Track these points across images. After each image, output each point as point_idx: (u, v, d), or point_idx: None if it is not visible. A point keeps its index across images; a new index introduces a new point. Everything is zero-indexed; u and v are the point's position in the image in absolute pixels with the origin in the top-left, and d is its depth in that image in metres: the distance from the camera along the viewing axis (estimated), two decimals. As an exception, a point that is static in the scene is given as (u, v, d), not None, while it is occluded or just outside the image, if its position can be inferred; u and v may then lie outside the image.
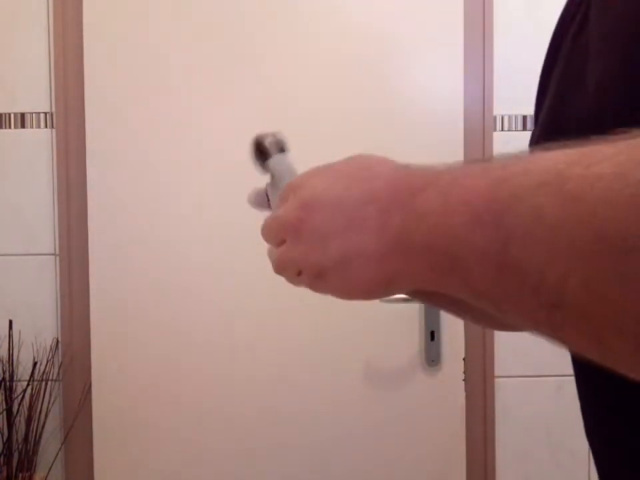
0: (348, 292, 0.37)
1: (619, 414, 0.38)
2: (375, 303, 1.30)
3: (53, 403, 1.44)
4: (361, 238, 0.34)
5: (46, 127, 1.44)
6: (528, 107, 1.47)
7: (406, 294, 0.39)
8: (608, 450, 0.41)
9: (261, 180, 0.63)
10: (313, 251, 0.37)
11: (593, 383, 0.41)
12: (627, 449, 0.38)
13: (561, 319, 0.25)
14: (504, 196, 0.26)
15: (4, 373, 1.39)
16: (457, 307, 0.48)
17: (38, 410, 1.40)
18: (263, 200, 0.56)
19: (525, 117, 1.45)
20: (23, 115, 1.44)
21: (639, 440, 0.37)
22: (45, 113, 1.44)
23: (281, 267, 0.42)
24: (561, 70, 0.43)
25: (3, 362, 1.39)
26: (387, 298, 0.38)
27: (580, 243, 0.23)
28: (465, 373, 1.44)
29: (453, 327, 1.43)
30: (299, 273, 0.40)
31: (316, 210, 0.37)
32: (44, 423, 1.40)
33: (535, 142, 0.47)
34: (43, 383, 1.40)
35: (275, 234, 0.42)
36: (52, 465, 1.44)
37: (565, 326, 0.25)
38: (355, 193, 0.35)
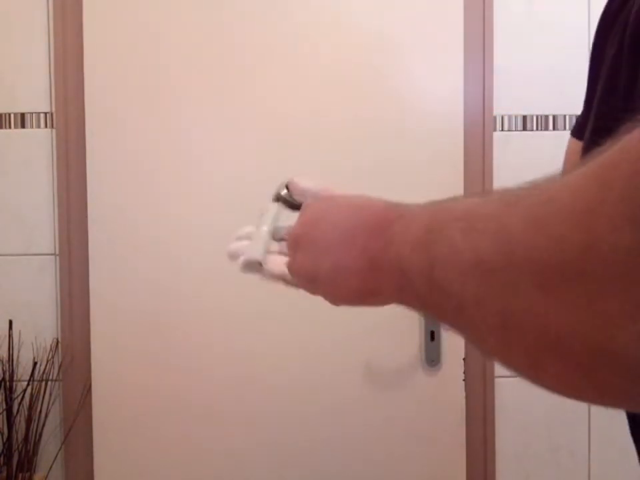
0: (334, 298, 0.46)
1: None
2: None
3: (53, 403, 1.44)
4: (348, 255, 0.42)
5: (46, 126, 1.44)
6: (528, 107, 1.47)
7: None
8: None
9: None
10: (308, 261, 0.46)
11: None
12: None
13: (465, 324, 0.32)
14: (434, 227, 0.34)
15: (4, 373, 1.39)
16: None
17: (38, 410, 1.40)
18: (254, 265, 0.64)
19: (524, 117, 1.45)
20: (23, 115, 1.44)
21: None
22: (45, 113, 1.44)
23: (294, 278, 0.51)
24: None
25: (3, 362, 1.39)
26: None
27: (468, 265, 0.30)
28: (464, 373, 1.44)
29: (452, 327, 1.43)
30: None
31: (317, 226, 0.46)
32: (44, 423, 1.40)
33: (589, 135, 0.55)
34: (43, 383, 1.40)
35: (288, 246, 0.52)
36: (52, 464, 1.44)
37: (469, 331, 0.32)
38: (351, 218, 0.44)
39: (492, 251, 0.28)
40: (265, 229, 0.62)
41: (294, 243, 0.49)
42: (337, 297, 0.45)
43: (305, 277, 0.48)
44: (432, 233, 0.34)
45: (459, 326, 0.33)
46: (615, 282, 0.21)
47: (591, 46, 0.59)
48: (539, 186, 0.27)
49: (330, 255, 0.44)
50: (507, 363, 0.30)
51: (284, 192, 0.64)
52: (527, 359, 0.27)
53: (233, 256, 0.63)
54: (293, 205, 0.64)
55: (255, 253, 0.62)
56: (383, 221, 0.40)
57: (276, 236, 0.63)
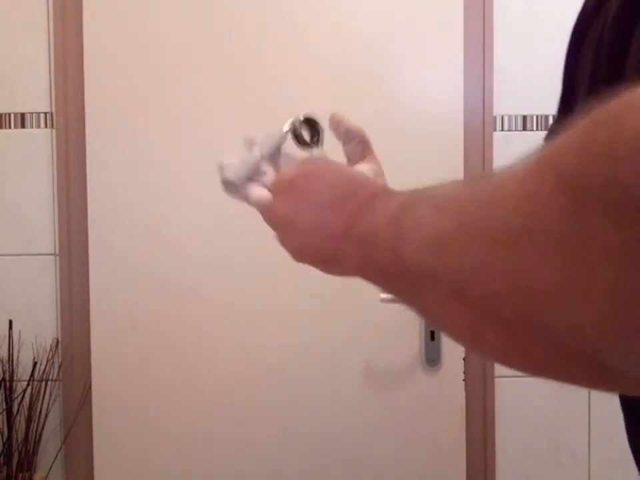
0: (300, 254, 0.48)
1: None
2: (375, 303, 1.30)
3: (53, 403, 1.44)
4: (330, 219, 0.44)
5: (46, 126, 1.44)
6: (528, 107, 1.47)
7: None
8: None
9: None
10: (288, 209, 0.48)
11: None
12: None
13: (420, 298, 0.34)
14: (409, 204, 0.37)
15: (4, 373, 1.39)
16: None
17: (38, 410, 1.40)
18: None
19: (524, 117, 1.45)
20: (23, 115, 1.44)
21: None
22: (45, 113, 1.44)
23: (267, 215, 0.52)
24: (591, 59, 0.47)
25: (3, 362, 1.39)
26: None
27: (427, 239, 0.32)
28: (464, 373, 1.44)
29: (452, 327, 1.42)
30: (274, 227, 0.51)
31: (310, 180, 0.48)
32: (44, 423, 1.40)
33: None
34: (43, 383, 1.40)
35: (274, 184, 0.53)
36: (52, 464, 1.44)
37: (424, 305, 0.35)
38: (345, 187, 0.46)
39: (449, 228, 0.31)
40: (258, 154, 0.60)
41: (281, 184, 0.50)
42: (303, 254, 0.47)
43: (278, 221, 0.49)
44: (405, 209, 0.37)
45: (414, 300, 0.36)
46: (544, 260, 0.24)
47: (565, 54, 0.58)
48: (498, 174, 0.29)
49: (313, 212, 0.46)
50: (454, 334, 0.33)
51: (298, 123, 0.62)
52: (469, 327, 0.30)
53: (221, 170, 0.61)
54: (302, 141, 0.62)
55: (234, 175, 0.59)
56: (371, 196, 0.43)
57: (271, 163, 0.60)
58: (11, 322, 1.41)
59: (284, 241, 0.49)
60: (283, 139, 0.61)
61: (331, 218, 0.44)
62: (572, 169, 0.23)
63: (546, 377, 0.29)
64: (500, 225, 0.26)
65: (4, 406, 1.37)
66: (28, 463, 1.37)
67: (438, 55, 1.43)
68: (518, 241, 0.25)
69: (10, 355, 1.40)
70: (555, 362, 0.27)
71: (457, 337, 0.33)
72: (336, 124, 0.61)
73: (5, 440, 1.36)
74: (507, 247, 0.26)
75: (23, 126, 1.44)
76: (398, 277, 0.36)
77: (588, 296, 0.22)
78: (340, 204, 0.44)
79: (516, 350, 0.29)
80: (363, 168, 0.59)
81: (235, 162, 0.60)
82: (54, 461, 1.44)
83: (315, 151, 0.62)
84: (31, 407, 1.38)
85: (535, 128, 1.45)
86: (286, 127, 0.62)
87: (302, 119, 0.62)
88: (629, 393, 0.33)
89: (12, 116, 1.44)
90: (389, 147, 1.42)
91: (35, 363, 1.40)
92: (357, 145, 0.61)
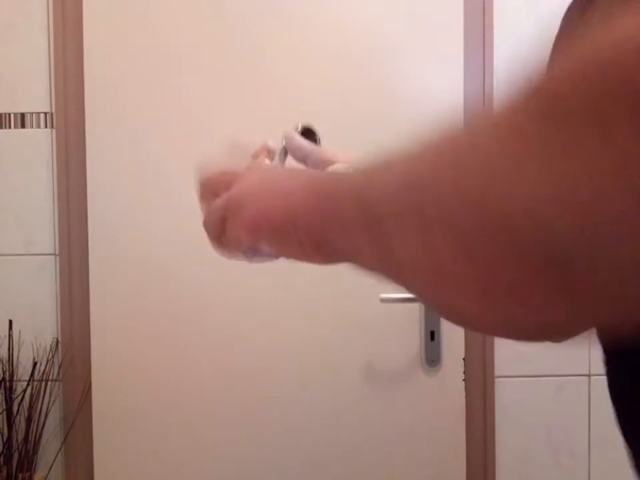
0: (256, 220, 0.42)
1: None
2: (375, 303, 1.30)
3: (53, 403, 1.44)
4: (282, 183, 0.42)
5: (46, 127, 1.44)
6: (528, 107, 1.47)
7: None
8: None
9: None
10: (239, 190, 0.45)
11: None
12: None
13: (385, 241, 0.32)
14: (382, 162, 0.35)
15: (4, 373, 1.39)
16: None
17: (38, 410, 1.40)
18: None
19: (525, 117, 1.45)
20: (23, 115, 1.44)
21: None
22: (45, 113, 1.44)
23: (209, 215, 0.50)
24: None
25: (3, 362, 1.39)
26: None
27: (394, 179, 0.31)
28: (464, 373, 1.44)
29: (453, 327, 1.43)
30: (224, 219, 0.47)
31: (250, 176, 0.46)
32: (44, 423, 1.40)
33: None
34: (43, 383, 1.40)
35: (217, 187, 0.49)
36: (52, 464, 1.44)
37: (386, 249, 0.32)
38: (294, 180, 0.42)
39: (422, 166, 0.30)
40: None
41: (227, 185, 0.47)
42: (259, 219, 0.42)
43: (232, 206, 0.46)
44: (380, 165, 0.35)
45: (374, 250, 0.33)
46: (508, 158, 0.23)
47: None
48: (477, 119, 0.29)
49: (262, 184, 0.44)
50: (416, 273, 0.31)
51: (282, 146, 0.63)
52: (430, 254, 0.29)
53: None
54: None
55: None
56: (329, 176, 0.42)
57: None
58: (10, 322, 1.41)
59: (235, 224, 0.46)
60: (285, 157, 0.62)
61: (284, 182, 0.42)
62: (562, 91, 0.22)
63: (511, 309, 0.27)
64: (474, 151, 0.26)
65: (4, 406, 1.37)
66: (28, 462, 1.37)
67: (438, 54, 1.42)
68: (492, 159, 0.24)
69: (10, 355, 1.40)
70: (513, 273, 0.26)
71: (418, 276, 0.31)
72: (290, 144, 0.62)
73: (5, 440, 1.36)
74: (479, 166, 0.25)
75: (23, 126, 1.44)
76: (362, 227, 0.34)
77: (543, 176, 0.22)
78: (294, 175, 0.43)
79: (478, 272, 0.27)
80: (338, 167, 0.58)
81: None
82: (54, 461, 1.44)
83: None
84: (31, 407, 1.38)
85: (535, 128, 1.45)
86: (281, 143, 0.63)
87: (299, 130, 0.64)
88: (596, 322, 0.31)
89: (12, 116, 1.44)
90: (388, 147, 1.43)
91: (35, 363, 1.40)
92: (316, 157, 0.61)
